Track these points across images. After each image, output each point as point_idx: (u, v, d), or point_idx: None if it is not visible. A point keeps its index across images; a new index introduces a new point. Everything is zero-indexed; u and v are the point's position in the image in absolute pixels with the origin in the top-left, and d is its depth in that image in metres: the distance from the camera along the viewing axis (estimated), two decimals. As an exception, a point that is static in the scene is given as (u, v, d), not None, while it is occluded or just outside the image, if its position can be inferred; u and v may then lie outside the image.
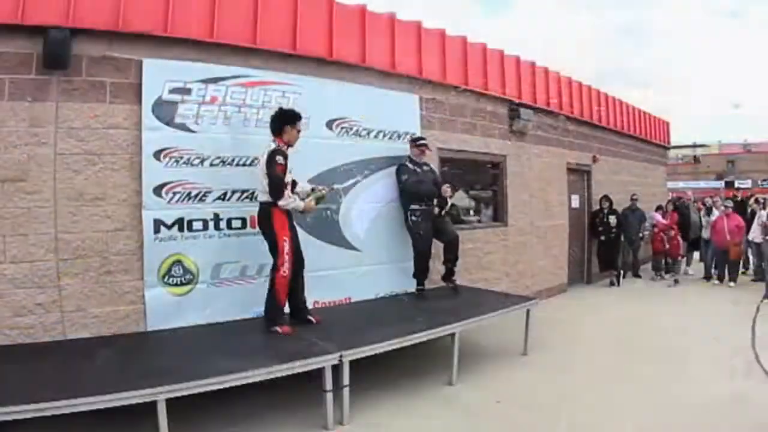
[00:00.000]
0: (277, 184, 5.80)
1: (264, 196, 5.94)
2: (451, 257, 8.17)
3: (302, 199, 6.16)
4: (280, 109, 6.19)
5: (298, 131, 6.13)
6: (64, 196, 5.58)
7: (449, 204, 8.46)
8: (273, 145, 5.90)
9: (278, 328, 5.83)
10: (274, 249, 5.94)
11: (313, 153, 6.47)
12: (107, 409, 4.16)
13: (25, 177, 5.41)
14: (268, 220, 5.94)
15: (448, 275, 8.23)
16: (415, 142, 7.84)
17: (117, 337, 5.69)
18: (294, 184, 6.19)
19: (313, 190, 6.44)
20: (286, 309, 6.15)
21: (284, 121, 6.02)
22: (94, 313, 5.71)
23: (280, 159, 5.80)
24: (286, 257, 5.89)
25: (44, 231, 5.49)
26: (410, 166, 7.72)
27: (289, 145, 6.05)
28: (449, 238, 8.10)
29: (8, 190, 5.34)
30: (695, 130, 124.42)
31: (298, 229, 6.37)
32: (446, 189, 8.24)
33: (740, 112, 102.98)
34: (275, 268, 5.92)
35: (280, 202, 5.85)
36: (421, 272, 7.86)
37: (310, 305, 6.55)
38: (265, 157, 5.84)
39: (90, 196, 5.69)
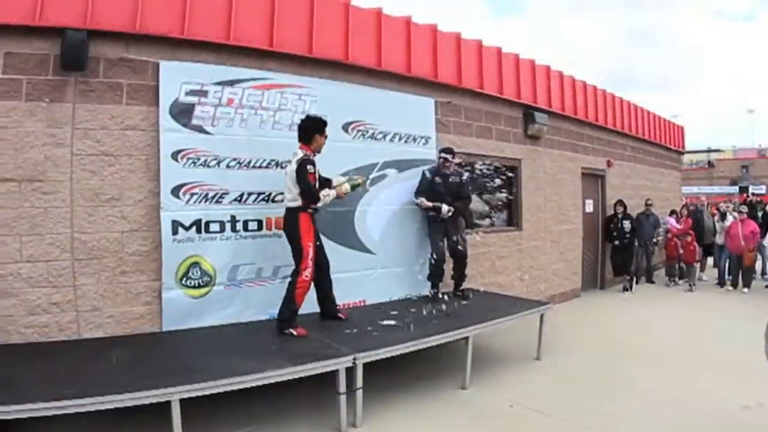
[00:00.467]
0: (312, 192, 5.93)
1: (292, 203, 6.03)
2: (456, 275, 8.20)
3: (333, 188, 6.28)
4: (308, 117, 6.25)
5: (326, 137, 6.19)
6: (81, 196, 5.62)
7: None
8: (300, 154, 5.96)
9: (293, 331, 5.84)
10: (299, 254, 5.99)
11: (329, 155, 6.44)
12: (122, 409, 4.17)
13: (42, 177, 5.46)
14: (295, 226, 6.02)
15: (456, 287, 8.20)
16: (440, 152, 7.90)
17: (132, 337, 5.71)
18: (328, 181, 6.32)
19: (349, 179, 6.51)
20: (306, 310, 6.20)
21: (314, 130, 6.10)
22: (109, 313, 5.74)
23: (311, 168, 5.90)
24: (310, 262, 5.96)
25: (60, 231, 5.52)
26: (428, 175, 7.80)
27: (317, 152, 6.14)
28: (457, 256, 8.06)
29: (25, 190, 5.38)
30: (709, 135, 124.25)
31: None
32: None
33: (754, 116, 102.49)
34: (297, 272, 5.97)
35: (319, 204, 6.04)
36: (434, 276, 7.84)
37: (323, 308, 6.61)
38: (295, 166, 5.91)
39: (106, 196, 5.73)
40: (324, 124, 6.16)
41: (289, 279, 6.07)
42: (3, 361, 4.76)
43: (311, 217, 6.06)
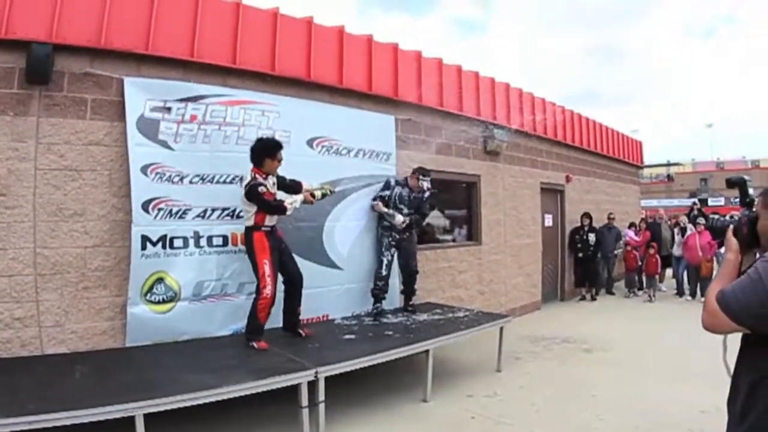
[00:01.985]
0: (274, 206, 6.03)
1: (247, 222, 6.09)
2: (407, 290, 8.19)
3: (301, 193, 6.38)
4: (260, 141, 6.24)
5: (279, 161, 6.19)
6: (44, 211, 5.60)
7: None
8: (248, 177, 6.03)
9: (255, 344, 5.89)
10: (256, 272, 6.03)
11: (296, 170, 6.50)
12: (86, 425, 4.17)
13: (5, 191, 5.43)
14: (250, 244, 6.07)
15: (407, 302, 8.19)
16: (417, 172, 7.95)
17: (95, 353, 5.69)
18: (299, 185, 6.41)
19: (320, 187, 6.57)
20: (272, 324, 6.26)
21: (265, 154, 6.10)
22: (72, 329, 5.72)
23: (262, 189, 5.93)
24: (268, 280, 5.95)
25: (23, 245, 5.50)
26: (392, 183, 7.91)
27: (270, 174, 6.17)
28: (407, 272, 8.09)
29: (-12, 205, 5.36)
30: (669, 148, 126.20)
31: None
32: (399, 217, 7.76)
33: (713, 130, 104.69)
34: (258, 290, 6.01)
35: (288, 213, 6.10)
36: (381, 291, 7.81)
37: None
38: (243, 191, 5.98)
39: (69, 211, 5.72)
40: (276, 147, 6.17)
41: (254, 295, 6.11)
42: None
43: (267, 235, 6.08)
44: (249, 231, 6.08)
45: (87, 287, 5.80)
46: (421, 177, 7.79)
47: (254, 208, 5.98)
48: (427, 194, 7.95)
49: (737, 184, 2.78)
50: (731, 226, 2.54)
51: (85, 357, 5.55)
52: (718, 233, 2.69)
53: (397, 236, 7.80)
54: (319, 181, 6.69)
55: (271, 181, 6.16)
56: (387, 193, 7.78)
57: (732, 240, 2.48)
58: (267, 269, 5.97)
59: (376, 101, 8.35)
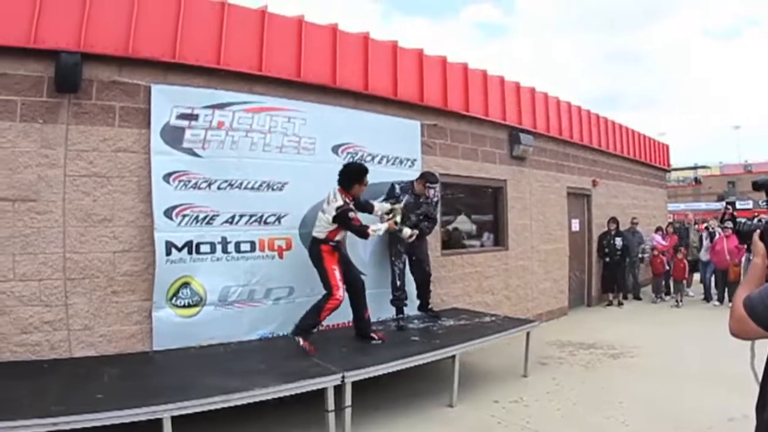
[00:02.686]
0: (361, 231, 6.33)
1: (317, 233, 6.34)
2: (422, 293, 8.04)
3: (381, 218, 6.82)
4: (351, 165, 6.59)
5: (365, 185, 6.50)
6: (73, 216, 5.69)
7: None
8: (339, 201, 6.24)
9: (302, 341, 5.93)
10: (325, 277, 6.21)
11: (321, 177, 6.55)
12: (113, 427, 4.23)
13: (36, 197, 5.53)
14: (317, 254, 6.30)
15: (425, 307, 8.07)
16: (424, 178, 7.68)
17: (123, 356, 5.76)
18: (370, 205, 6.74)
19: (391, 210, 6.80)
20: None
21: (354, 179, 6.38)
22: (100, 332, 5.80)
23: (352, 214, 6.24)
24: (339, 283, 6.18)
25: (53, 250, 5.59)
26: (397, 190, 7.60)
27: (355, 198, 6.49)
28: (420, 276, 7.97)
29: (19, 210, 5.46)
30: (696, 151, 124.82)
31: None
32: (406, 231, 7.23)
33: (740, 132, 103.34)
34: (330, 293, 6.15)
35: (370, 239, 6.64)
36: (399, 300, 7.74)
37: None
38: (333, 214, 6.20)
39: (98, 217, 5.81)
40: (363, 173, 6.45)
41: (322, 295, 6.21)
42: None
43: (333, 247, 6.31)
44: (317, 242, 6.32)
45: (116, 291, 5.88)
46: (428, 184, 7.55)
47: (333, 226, 6.25)
48: (435, 200, 7.86)
49: (764, 186, 2.73)
50: (758, 230, 2.49)
51: (113, 360, 5.61)
52: (744, 237, 2.65)
53: (407, 243, 7.58)
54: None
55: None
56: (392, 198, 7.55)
57: (759, 244, 2.43)
58: (337, 274, 6.21)
59: (401, 107, 8.36)
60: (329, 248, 6.27)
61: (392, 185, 7.65)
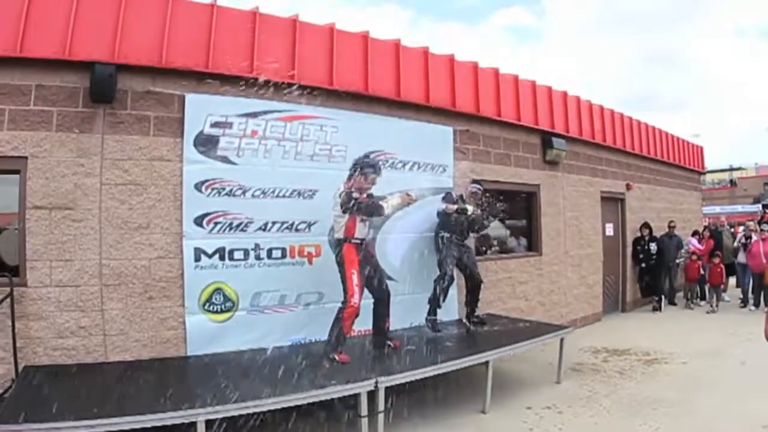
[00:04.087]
0: (371, 206, 6.08)
1: (338, 233, 6.24)
2: (471, 299, 8.02)
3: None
4: (360, 157, 6.51)
5: (371, 182, 6.27)
6: (109, 224, 5.81)
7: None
8: (340, 188, 6.15)
9: (336, 356, 5.90)
10: (344, 282, 6.09)
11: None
12: (147, 430, 4.30)
13: (72, 205, 5.66)
14: (339, 256, 6.20)
15: (470, 315, 8.01)
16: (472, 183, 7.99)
17: (157, 361, 5.84)
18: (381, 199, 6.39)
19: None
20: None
21: (358, 170, 6.20)
22: (135, 337, 5.89)
23: (356, 195, 6.05)
24: (356, 289, 6.02)
25: (89, 257, 5.71)
26: (455, 196, 7.77)
27: (360, 189, 6.18)
28: (474, 282, 7.94)
29: (56, 218, 5.59)
30: (731, 153, 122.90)
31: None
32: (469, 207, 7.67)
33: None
34: (345, 300, 6.06)
35: (386, 211, 6.23)
36: (438, 303, 7.60)
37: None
38: (338, 200, 6.11)
39: (134, 224, 5.92)
40: (369, 166, 6.30)
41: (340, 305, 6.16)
42: (33, 382, 4.89)
43: (357, 247, 6.17)
44: (339, 243, 6.23)
45: (151, 297, 5.98)
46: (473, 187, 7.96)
47: (345, 216, 6.10)
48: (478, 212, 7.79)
49: None
50: None
51: (148, 364, 5.70)
52: None
53: (458, 248, 7.69)
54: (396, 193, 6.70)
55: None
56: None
57: None
58: (355, 279, 6.05)
59: (433, 113, 8.36)
60: (352, 248, 6.15)
61: (449, 193, 7.87)
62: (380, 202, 6.11)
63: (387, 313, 6.57)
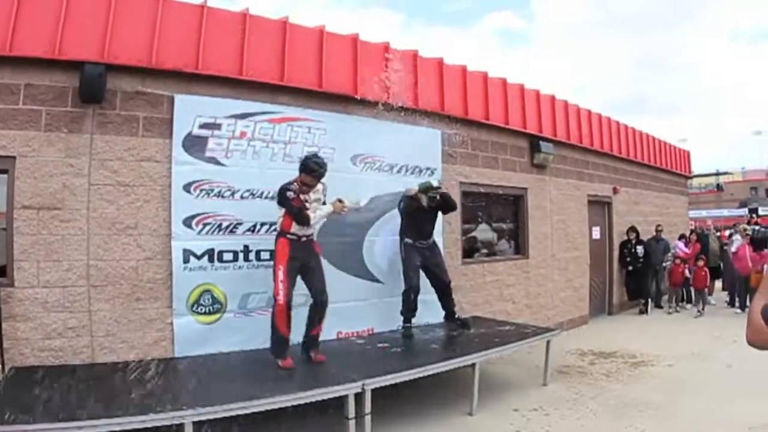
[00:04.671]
0: (298, 213, 5.93)
1: (278, 226, 6.16)
2: (445, 303, 7.80)
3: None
4: (306, 155, 6.30)
5: (315, 182, 6.11)
6: (97, 224, 5.78)
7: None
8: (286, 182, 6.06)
9: (279, 362, 5.80)
10: (273, 278, 5.95)
11: (338, 187, 6.56)
12: (135, 431, 4.28)
13: (60, 205, 5.63)
14: (274, 250, 6.08)
15: (449, 317, 7.86)
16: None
17: (145, 362, 5.79)
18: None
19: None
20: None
21: (303, 168, 6.05)
22: (123, 339, 5.87)
23: (291, 194, 5.94)
24: (281, 285, 5.84)
25: (77, 258, 5.68)
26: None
27: (306, 186, 6.07)
28: (441, 286, 7.69)
29: (44, 218, 5.56)
30: (718, 157, 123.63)
31: (327, 263, 6.56)
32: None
33: (762, 138, 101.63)
34: (273, 297, 5.92)
35: (311, 222, 6.01)
36: (409, 311, 7.38)
37: (332, 335, 6.80)
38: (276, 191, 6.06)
39: (122, 225, 5.89)
40: (314, 164, 6.04)
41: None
42: (19, 383, 4.90)
43: (291, 243, 5.99)
44: (276, 236, 6.11)
45: (139, 298, 5.96)
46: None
47: (281, 211, 6.04)
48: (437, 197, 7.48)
49: None
50: None
51: (135, 366, 5.65)
52: (759, 244, 2.59)
53: (421, 253, 7.44)
54: (358, 196, 6.64)
55: (315, 196, 6.19)
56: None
57: None
58: (281, 275, 5.88)
59: (421, 116, 8.32)
60: (285, 242, 5.98)
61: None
62: (308, 212, 5.96)
63: (319, 321, 6.24)
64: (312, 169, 6.01)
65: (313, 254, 6.26)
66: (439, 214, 7.78)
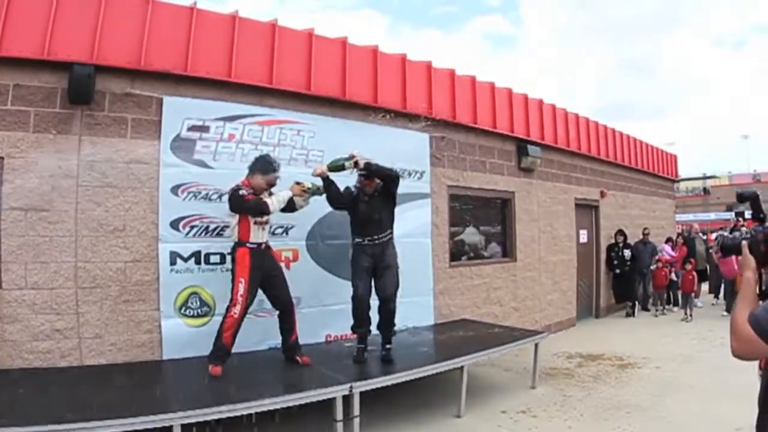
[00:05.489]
0: (256, 205, 5.66)
1: (233, 236, 5.84)
2: (383, 321, 6.48)
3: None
4: (260, 154, 6.10)
5: (272, 182, 5.90)
6: (85, 226, 5.77)
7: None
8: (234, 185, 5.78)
9: (210, 367, 5.50)
10: (231, 289, 5.69)
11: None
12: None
13: (48, 207, 5.61)
14: (232, 260, 5.78)
15: (384, 342, 6.50)
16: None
17: (133, 365, 5.81)
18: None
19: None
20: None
21: (257, 168, 5.84)
22: (110, 341, 5.86)
23: (243, 192, 5.63)
24: (239, 299, 5.59)
25: (65, 260, 5.67)
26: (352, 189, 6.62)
27: (258, 189, 5.79)
28: (382, 296, 6.41)
29: (32, 219, 5.54)
30: (705, 161, 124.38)
31: (315, 265, 6.66)
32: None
33: (749, 142, 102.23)
34: (227, 309, 5.67)
35: (272, 208, 5.68)
36: (358, 326, 6.47)
37: (321, 339, 6.84)
38: (226, 198, 5.81)
39: (110, 227, 5.88)
40: (269, 164, 5.85)
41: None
42: (6, 386, 4.88)
43: (251, 252, 5.71)
44: (233, 247, 5.79)
45: (127, 300, 5.95)
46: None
47: (235, 217, 5.73)
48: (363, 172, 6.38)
49: (749, 198, 2.71)
50: (745, 243, 2.43)
51: (124, 368, 5.67)
52: (730, 251, 2.59)
53: (370, 253, 6.39)
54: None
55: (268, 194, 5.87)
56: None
57: (749, 257, 2.35)
58: (241, 288, 5.62)
59: (410, 119, 8.39)
60: (245, 252, 5.68)
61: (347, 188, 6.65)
62: (265, 199, 5.67)
63: (293, 327, 6.10)
64: (265, 169, 5.81)
65: (275, 264, 6.12)
66: (391, 202, 6.63)
